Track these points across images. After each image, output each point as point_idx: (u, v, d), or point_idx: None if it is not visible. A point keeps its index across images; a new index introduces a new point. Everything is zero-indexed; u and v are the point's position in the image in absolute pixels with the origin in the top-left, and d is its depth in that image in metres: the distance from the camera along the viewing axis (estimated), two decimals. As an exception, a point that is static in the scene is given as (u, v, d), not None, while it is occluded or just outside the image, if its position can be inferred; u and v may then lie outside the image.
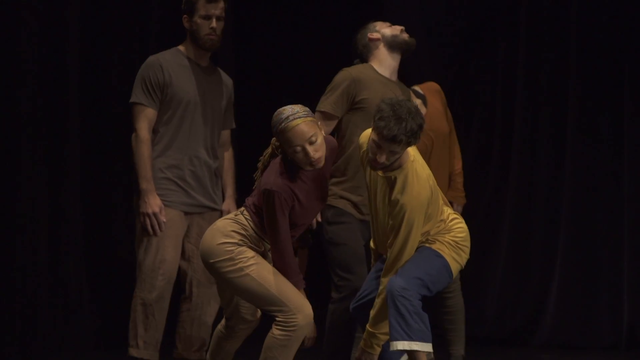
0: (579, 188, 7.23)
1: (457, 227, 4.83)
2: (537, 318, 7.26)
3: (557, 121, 7.31)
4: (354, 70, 5.40)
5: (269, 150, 4.72)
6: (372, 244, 5.02)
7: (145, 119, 5.39)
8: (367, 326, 4.82)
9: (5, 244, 6.57)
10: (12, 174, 6.59)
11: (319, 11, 7.98)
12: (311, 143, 4.55)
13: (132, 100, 5.42)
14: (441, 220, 4.81)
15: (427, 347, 4.62)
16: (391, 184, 4.67)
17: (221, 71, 5.66)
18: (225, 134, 5.69)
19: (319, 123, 5.11)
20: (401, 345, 4.59)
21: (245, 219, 4.69)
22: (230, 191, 5.65)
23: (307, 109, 4.64)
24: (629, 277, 7.06)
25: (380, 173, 4.70)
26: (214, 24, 5.41)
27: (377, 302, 4.75)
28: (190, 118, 5.43)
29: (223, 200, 5.65)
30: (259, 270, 4.62)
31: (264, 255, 4.73)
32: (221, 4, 5.43)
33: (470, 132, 7.55)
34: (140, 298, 5.38)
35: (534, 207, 7.36)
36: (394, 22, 5.61)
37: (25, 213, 6.62)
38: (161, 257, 5.38)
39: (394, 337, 4.62)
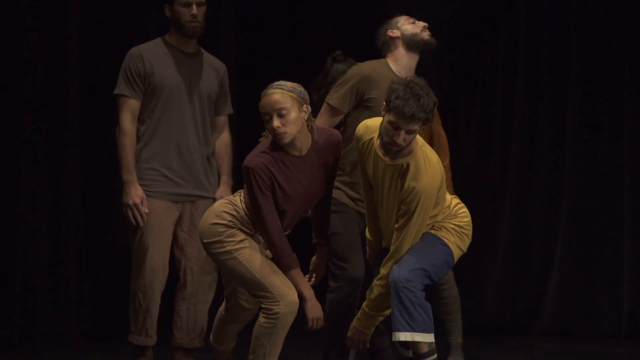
0: (579, 177, 7.23)
1: (461, 212, 4.85)
2: (537, 307, 7.27)
3: (557, 113, 7.31)
4: (367, 67, 5.33)
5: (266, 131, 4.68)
6: (367, 234, 5.02)
7: (127, 110, 5.45)
8: (364, 307, 4.82)
9: (5, 240, 6.59)
10: (12, 170, 6.60)
11: (321, 1, 7.96)
12: (280, 115, 4.49)
13: (115, 92, 5.49)
14: (447, 207, 4.82)
15: (429, 338, 4.64)
16: (402, 171, 4.65)
17: (211, 57, 5.65)
18: (221, 120, 5.68)
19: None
20: (403, 336, 4.61)
21: (240, 200, 4.68)
22: (225, 178, 5.65)
23: (301, 89, 4.59)
24: (629, 266, 7.07)
25: (388, 161, 4.67)
26: (194, 10, 5.43)
27: (377, 284, 4.75)
28: (174, 106, 5.44)
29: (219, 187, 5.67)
30: (246, 254, 4.60)
31: (254, 238, 4.71)
32: None
33: (470, 123, 7.54)
34: (132, 287, 5.49)
35: (534, 196, 7.36)
36: (394, 11, 5.59)
37: (26, 208, 6.64)
38: (145, 247, 5.44)
39: (396, 328, 4.62)
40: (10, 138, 6.61)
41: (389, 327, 4.85)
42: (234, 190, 5.48)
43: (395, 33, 5.39)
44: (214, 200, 5.52)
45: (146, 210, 5.41)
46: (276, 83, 4.58)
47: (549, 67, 7.31)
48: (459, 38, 7.48)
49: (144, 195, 5.41)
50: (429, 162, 4.64)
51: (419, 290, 4.61)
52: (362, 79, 5.28)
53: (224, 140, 5.70)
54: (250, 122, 5.75)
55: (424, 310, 4.60)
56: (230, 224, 4.62)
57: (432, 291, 5.65)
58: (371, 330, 4.85)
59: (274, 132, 4.50)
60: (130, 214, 5.41)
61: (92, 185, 6.97)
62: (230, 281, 4.91)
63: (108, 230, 7.05)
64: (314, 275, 4.86)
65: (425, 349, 4.65)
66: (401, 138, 4.54)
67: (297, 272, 4.62)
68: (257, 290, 4.59)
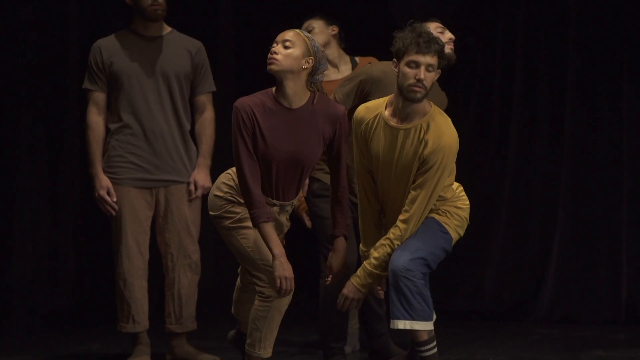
0: (578, 164, 7.22)
1: (462, 196, 4.85)
2: (536, 293, 7.27)
3: (556, 97, 7.30)
4: (377, 69, 5.26)
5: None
6: (361, 227, 4.95)
7: (92, 104, 5.48)
8: (366, 264, 4.74)
9: (4, 232, 6.60)
10: (10, 166, 6.61)
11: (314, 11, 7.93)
12: (285, 47, 4.52)
13: (82, 87, 5.52)
14: (451, 187, 4.84)
15: (428, 326, 4.63)
16: (422, 132, 4.64)
17: (183, 37, 5.58)
18: (200, 100, 5.60)
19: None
20: (402, 324, 4.60)
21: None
22: (201, 159, 5.56)
23: (318, 45, 4.58)
24: (628, 252, 7.07)
25: (405, 126, 4.65)
26: None
27: (385, 244, 4.70)
28: (137, 91, 5.42)
29: None
30: (243, 233, 4.57)
31: None
32: None
33: (469, 108, 7.53)
34: (115, 276, 5.53)
35: (532, 182, 7.36)
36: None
37: (25, 205, 6.65)
38: (119, 235, 5.48)
39: (395, 316, 4.61)
40: (8, 137, 6.61)
41: (387, 313, 4.84)
42: (213, 172, 5.44)
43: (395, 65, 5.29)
44: (189, 184, 5.48)
45: (114, 199, 5.42)
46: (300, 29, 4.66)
47: (547, 54, 7.30)
48: (458, 25, 7.44)
49: (110, 185, 5.43)
50: (446, 120, 4.69)
51: (418, 279, 4.59)
52: (369, 79, 5.23)
53: (204, 119, 5.60)
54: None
55: (422, 299, 4.59)
56: (227, 195, 4.59)
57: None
58: (367, 290, 4.78)
59: (269, 56, 4.52)
60: (100, 206, 5.46)
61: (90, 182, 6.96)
62: None
63: (106, 220, 7.03)
64: (331, 268, 4.74)
65: (424, 337, 4.65)
66: (423, 73, 4.55)
67: (267, 226, 4.47)
68: (252, 269, 4.57)
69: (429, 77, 4.57)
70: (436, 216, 4.76)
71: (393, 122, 4.69)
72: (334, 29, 5.77)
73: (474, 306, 7.31)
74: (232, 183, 4.60)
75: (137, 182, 5.45)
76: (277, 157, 4.54)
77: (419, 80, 4.55)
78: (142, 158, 5.44)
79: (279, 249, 4.48)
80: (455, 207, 4.80)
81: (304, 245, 6.42)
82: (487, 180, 7.43)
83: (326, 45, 5.66)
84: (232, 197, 4.59)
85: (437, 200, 4.74)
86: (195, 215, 5.57)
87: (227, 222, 4.58)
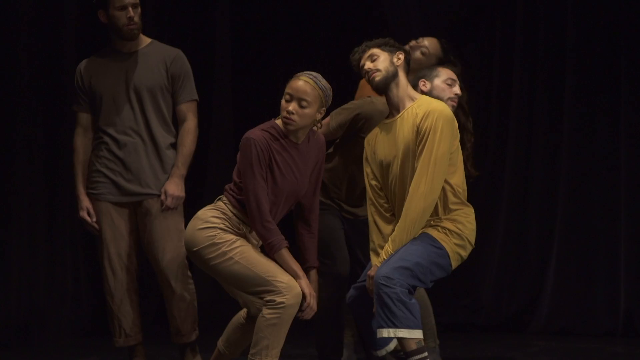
0: (575, 175, 7.22)
1: (468, 218, 4.87)
2: (534, 305, 7.27)
3: (553, 111, 7.30)
4: (376, 108, 5.30)
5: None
6: (373, 237, 4.99)
7: (78, 125, 5.54)
8: (388, 247, 4.79)
9: (2, 239, 6.59)
10: (7, 169, 6.60)
11: (314, 13, 7.95)
12: (300, 104, 4.59)
13: (71, 109, 5.59)
14: (461, 202, 4.88)
15: (414, 334, 4.62)
16: (413, 109, 4.84)
17: (161, 47, 5.53)
18: (181, 109, 5.54)
19: (325, 127, 5.22)
20: (386, 332, 4.63)
21: (224, 203, 4.69)
22: (174, 169, 5.48)
23: (330, 92, 4.69)
24: (626, 264, 7.06)
25: (400, 116, 4.86)
26: (130, 13, 5.36)
27: (398, 224, 4.80)
28: (112, 109, 5.43)
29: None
30: (243, 252, 4.60)
31: (246, 237, 4.71)
32: None
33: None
34: (103, 292, 5.55)
35: (530, 194, 7.36)
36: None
37: (22, 208, 6.64)
38: (101, 252, 5.50)
39: (379, 324, 4.65)
40: (6, 139, 6.61)
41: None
42: (186, 181, 5.49)
43: (426, 86, 5.23)
44: (159, 196, 5.46)
45: (94, 219, 5.46)
46: (314, 74, 4.68)
47: (545, 63, 7.31)
48: (455, 35, 7.46)
49: (89, 205, 5.48)
50: (436, 99, 4.92)
51: (399, 286, 4.60)
52: (361, 117, 5.30)
53: (183, 129, 5.53)
54: (248, 122, 5.72)
55: (405, 306, 4.60)
56: (221, 225, 4.63)
57: None
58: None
59: (285, 114, 4.58)
60: (85, 227, 5.55)
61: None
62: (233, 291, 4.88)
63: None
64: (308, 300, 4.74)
65: (412, 347, 4.64)
66: (367, 64, 4.94)
67: (286, 252, 4.63)
68: (259, 286, 4.58)
69: (376, 64, 4.89)
70: (433, 232, 4.77)
71: (389, 120, 4.93)
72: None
73: (472, 318, 7.30)
74: (223, 216, 4.66)
75: (113, 197, 5.47)
76: (286, 190, 4.67)
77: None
78: (116, 173, 5.46)
79: (301, 270, 4.64)
80: (458, 226, 4.80)
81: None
82: (484, 193, 7.43)
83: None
84: (226, 226, 4.65)
85: (444, 217, 4.76)
86: (176, 226, 5.50)
87: (223, 248, 4.60)
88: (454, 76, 5.22)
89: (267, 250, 4.65)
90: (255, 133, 4.60)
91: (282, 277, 4.58)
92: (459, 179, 4.89)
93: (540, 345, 6.76)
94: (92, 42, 6.88)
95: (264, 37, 7.96)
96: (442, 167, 4.74)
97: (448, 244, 4.77)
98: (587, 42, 7.18)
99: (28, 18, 6.66)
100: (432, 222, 4.82)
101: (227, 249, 4.60)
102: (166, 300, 5.56)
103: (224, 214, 4.66)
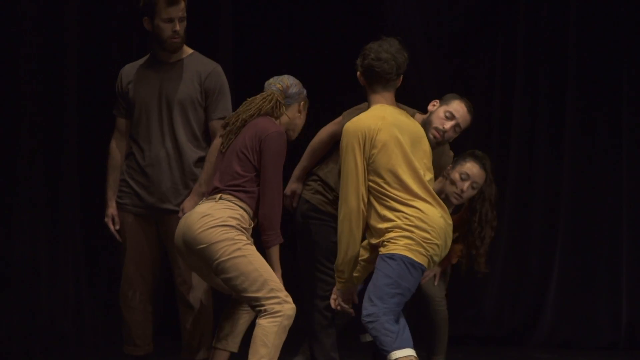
0: (577, 188, 7.23)
1: (414, 220, 4.81)
2: (536, 317, 7.27)
3: (556, 121, 7.31)
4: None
5: (263, 101, 4.89)
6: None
7: (115, 129, 5.51)
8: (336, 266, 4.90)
9: (2, 247, 6.60)
10: (9, 173, 6.61)
11: (318, 8, 7.96)
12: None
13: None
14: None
15: (404, 353, 4.64)
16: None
17: (201, 59, 5.45)
18: (212, 126, 5.43)
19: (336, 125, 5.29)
20: (388, 357, 4.69)
21: (229, 201, 4.76)
22: (195, 186, 5.38)
23: (289, 86, 4.95)
24: (628, 277, 7.07)
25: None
26: (177, 26, 5.29)
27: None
28: (144, 119, 5.36)
29: None
30: (254, 254, 4.68)
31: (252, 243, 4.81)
32: (182, 5, 5.28)
33: (468, 133, 7.52)
34: (119, 298, 5.51)
35: (532, 207, 7.36)
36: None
37: (23, 215, 6.65)
38: (121, 260, 5.47)
39: (382, 356, 4.73)
40: (7, 145, 6.62)
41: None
42: None
43: (434, 107, 5.26)
44: (177, 212, 5.39)
45: (117, 227, 5.45)
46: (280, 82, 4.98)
47: (547, 72, 7.32)
48: (458, 42, 7.48)
49: (115, 213, 5.45)
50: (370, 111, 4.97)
51: (382, 316, 4.66)
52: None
53: (212, 146, 5.44)
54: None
55: (391, 331, 4.65)
56: (237, 226, 4.71)
57: (422, 311, 5.67)
58: (352, 283, 4.92)
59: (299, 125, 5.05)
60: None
61: (90, 187, 6.96)
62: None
63: (105, 237, 7.03)
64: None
65: None
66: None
67: (277, 249, 4.78)
68: (260, 290, 4.63)
69: None
70: (381, 250, 4.79)
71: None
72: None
73: (474, 331, 7.30)
74: (242, 218, 4.74)
75: (135, 208, 5.44)
76: None
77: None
78: (140, 184, 5.41)
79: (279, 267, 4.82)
80: (401, 232, 4.78)
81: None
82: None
83: None
84: (241, 227, 4.73)
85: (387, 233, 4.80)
86: None
87: (239, 244, 4.67)
88: (459, 113, 5.22)
89: (267, 240, 4.74)
90: (281, 130, 4.81)
91: (282, 288, 4.67)
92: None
93: (542, 357, 6.76)
94: (93, 44, 6.95)
95: (266, 39, 7.97)
96: (351, 181, 4.80)
97: (399, 249, 4.75)
98: (589, 55, 7.20)
99: (30, 21, 6.66)
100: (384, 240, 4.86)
101: (242, 246, 4.67)
102: (181, 315, 5.53)
103: (237, 212, 4.73)
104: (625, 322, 7.03)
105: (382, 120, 4.80)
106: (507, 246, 7.36)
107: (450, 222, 4.87)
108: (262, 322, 4.61)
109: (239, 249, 4.66)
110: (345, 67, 5.49)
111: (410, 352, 4.65)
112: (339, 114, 5.36)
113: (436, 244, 4.76)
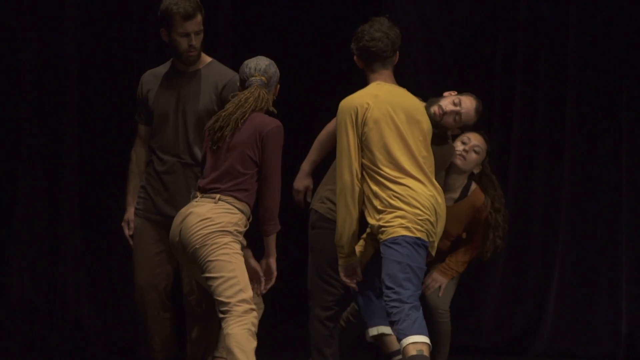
0: (576, 197, 7.23)
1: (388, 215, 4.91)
2: (536, 327, 7.26)
3: (555, 130, 7.32)
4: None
5: (255, 101, 4.91)
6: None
7: (137, 136, 5.53)
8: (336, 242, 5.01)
9: (3, 255, 6.60)
10: (9, 177, 6.63)
11: (318, 9, 7.97)
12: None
13: None
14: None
15: (420, 338, 4.74)
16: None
17: (219, 68, 5.45)
18: None
19: None
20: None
21: (227, 202, 4.83)
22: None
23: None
24: (627, 287, 7.06)
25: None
26: (193, 41, 5.28)
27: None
28: (161, 128, 5.38)
29: None
30: (239, 263, 4.79)
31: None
32: (198, 19, 5.27)
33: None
34: None
35: (531, 216, 7.36)
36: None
37: (24, 217, 6.66)
38: (134, 267, 5.47)
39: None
40: (8, 150, 6.64)
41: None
42: None
43: (450, 93, 5.32)
44: None
45: (130, 232, 5.47)
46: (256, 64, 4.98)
47: (547, 82, 7.33)
48: (457, 57, 7.49)
49: (131, 218, 5.47)
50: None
51: (403, 304, 4.76)
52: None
53: None
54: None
55: (411, 317, 4.75)
56: (234, 232, 4.80)
57: (425, 321, 5.68)
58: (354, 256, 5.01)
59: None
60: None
61: (89, 190, 6.99)
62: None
63: (106, 245, 7.05)
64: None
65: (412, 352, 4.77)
66: None
67: (275, 236, 4.94)
68: (233, 298, 4.71)
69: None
70: (381, 237, 4.89)
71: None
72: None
73: (473, 341, 7.29)
74: (239, 222, 4.84)
75: (150, 214, 5.45)
76: None
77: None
78: (156, 191, 5.42)
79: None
80: (394, 212, 4.87)
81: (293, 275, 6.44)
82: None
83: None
84: (237, 232, 4.84)
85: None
86: None
87: (229, 251, 4.76)
88: (465, 104, 5.27)
89: (267, 229, 4.88)
90: (279, 122, 4.88)
91: (252, 302, 4.76)
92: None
93: (541, 368, 6.77)
94: (93, 46, 6.97)
95: (266, 38, 7.97)
96: (345, 157, 4.93)
97: (394, 226, 4.85)
98: (589, 63, 7.20)
99: (30, 24, 6.70)
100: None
101: (232, 253, 4.77)
102: (187, 324, 5.52)
103: (235, 216, 4.81)
104: (625, 332, 7.03)
105: (374, 98, 4.93)
106: (507, 257, 7.35)
107: (443, 202, 4.97)
108: (230, 331, 4.68)
109: (227, 254, 4.75)
110: (345, 67, 5.51)
111: (426, 339, 4.74)
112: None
113: (428, 219, 4.86)
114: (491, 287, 7.38)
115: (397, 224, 4.82)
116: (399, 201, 4.84)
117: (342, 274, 5.05)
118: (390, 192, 4.85)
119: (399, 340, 4.76)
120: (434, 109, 5.16)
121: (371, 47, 5.00)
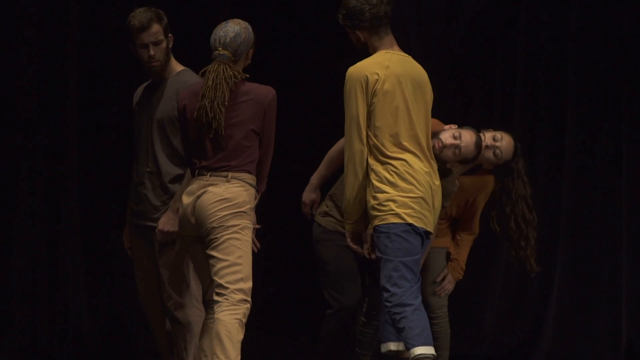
0: (577, 204, 7.23)
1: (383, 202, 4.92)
2: (536, 336, 7.25)
3: (555, 137, 7.32)
4: None
5: (234, 78, 4.90)
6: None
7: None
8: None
9: (3, 248, 6.61)
10: (9, 179, 6.63)
11: (318, 9, 7.97)
12: None
13: None
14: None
15: (429, 350, 4.75)
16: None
17: (184, 76, 5.39)
18: None
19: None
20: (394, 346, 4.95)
21: (240, 179, 4.89)
22: (171, 202, 5.35)
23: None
24: (628, 294, 7.06)
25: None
26: (151, 51, 5.28)
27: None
28: (138, 138, 5.43)
29: None
30: (247, 250, 4.84)
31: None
32: (154, 29, 5.26)
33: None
34: None
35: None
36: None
37: (24, 217, 6.67)
38: (135, 275, 5.52)
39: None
40: (8, 150, 6.65)
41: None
42: None
43: (451, 127, 5.34)
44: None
45: (127, 245, 5.54)
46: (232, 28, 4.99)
47: (547, 87, 7.33)
48: (457, 67, 7.49)
49: (126, 231, 5.54)
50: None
51: (404, 306, 4.78)
52: None
53: None
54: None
55: (416, 325, 4.76)
56: (248, 210, 4.86)
57: None
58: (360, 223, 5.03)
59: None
60: None
61: (90, 193, 6.99)
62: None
63: (106, 245, 7.04)
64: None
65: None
66: None
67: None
68: (232, 284, 4.74)
69: None
70: (375, 222, 4.92)
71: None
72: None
73: (473, 350, 7.28)
74: (253, 197, 4.94)
75: (131, 225, 5.48)
76: None
77: None
78: (134, 201, 5.46)
79: None
80: (388, 192, 4.89)
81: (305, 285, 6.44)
82: (486, 225, 7.42)
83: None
84: (251, 210, 4.94)
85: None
86: (174, 261, 5.36)
87: (241, 237, 4.84)
88: (465, 138, 5.23)
89: (260, 187, 4.98)
90: (272, 89, 4.93)
91: (249, 293, 4.78)
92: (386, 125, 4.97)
93: (542, 376, 6.76)
94: (93, 48, 6.97)
95: (266, 38, 7.96)
96: (354, 124, 4.92)
97: (385, 212, 4.88)
98: (589, 71, 7.21)
99: (30, 26, 6.70)
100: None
101: (243, 239, 4.81)
102: (171, 331, 5.51)
103: (249, 192, 4.88)
104: (625, 340, 7.03)
105: (384, 70, 4.94)
106: (506, 265, 7.34)
107: (438, 182, 4.99)
108: (221, 317, 4.70)
109: (239, 239, 4.79)
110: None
111: (431, 349, 4.76)
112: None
113: (422, 197, 4.88)
114: (491, 296, 7.38)
115: (387, 210, 4.85)
116: (395, 176, 4.87)
117: (349, 240, 5.07)
118: (387, 166, 4.89)
119: (407, 348, 4.78)
120: (434, 142, 5.15)
121: (376, 13, 4.99)
